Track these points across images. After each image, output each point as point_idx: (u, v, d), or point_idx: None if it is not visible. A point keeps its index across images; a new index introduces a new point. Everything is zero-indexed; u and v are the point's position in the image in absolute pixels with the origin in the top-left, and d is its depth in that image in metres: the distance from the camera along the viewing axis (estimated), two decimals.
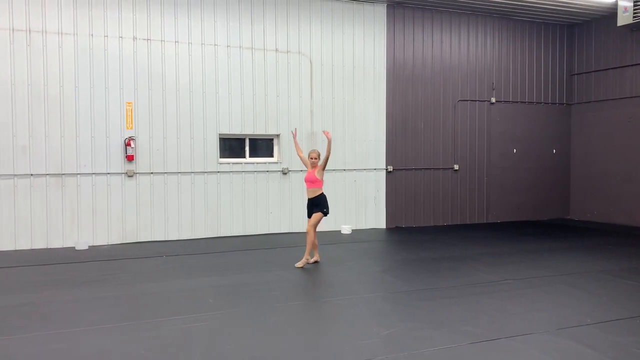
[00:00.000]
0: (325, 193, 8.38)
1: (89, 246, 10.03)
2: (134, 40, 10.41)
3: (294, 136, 8.93)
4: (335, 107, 12.07)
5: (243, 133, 11.36)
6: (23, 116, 9.72)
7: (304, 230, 11.68)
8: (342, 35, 12.08)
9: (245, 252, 9.62)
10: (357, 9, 12.19)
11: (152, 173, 10.63)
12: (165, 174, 10.73)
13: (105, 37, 10.19)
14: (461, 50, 13.29)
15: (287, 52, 11.62)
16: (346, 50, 12.12)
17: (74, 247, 9.90)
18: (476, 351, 4.82)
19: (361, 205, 12.31)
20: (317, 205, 8.24)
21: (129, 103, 10.39)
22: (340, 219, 12.03)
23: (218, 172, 11.14)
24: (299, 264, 8.28)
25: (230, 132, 11.24)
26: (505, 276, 7.67)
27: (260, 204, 11.50)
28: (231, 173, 11.27)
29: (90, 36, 10.08)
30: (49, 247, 9.93)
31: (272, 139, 11.74)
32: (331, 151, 8.28)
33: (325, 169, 8.47)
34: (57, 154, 9.95)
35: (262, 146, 11.72)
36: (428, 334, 5.25)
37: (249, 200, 11.40)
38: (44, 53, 9.82)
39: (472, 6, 12.80)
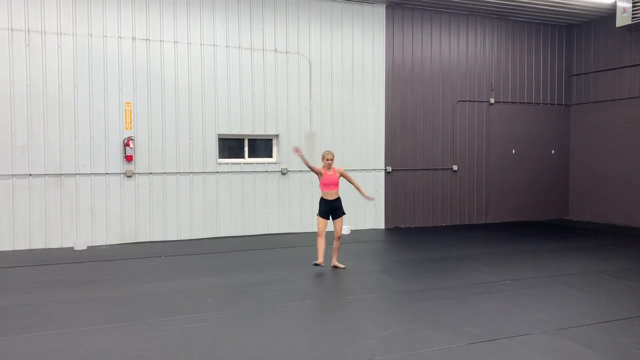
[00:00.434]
0: None
1: (88, 246, 10.01)
2: (133, 41, 10.40)
3: (301, 154, 8.00)
4: (334, 107, 12.07)
5: (242, 133, 11.35)
6: (22, 116, 9.71)
7: (303, 231, 11.76)
8: (341, 36, 12.09)
9: (245, 252, 9.61)
10: (356, 10, 12.19)
11: (151, 173, 10.62)
12: (164, 174, 10.72)
13: (105, 37, 10.18)
14: (460, 51, 13.30)
15: (286, 52, 11.62)
16: (345, 51, 12.12)
17: (73, 248, 9.89)
18: (475, 351, 4.82)
19: (360, 205, 12.30)
20: (339, 207, 8.14)
21: (128, 103, 10.38)
22: None
23: (217, 172, 11.14)
24: (337, 264, 8.19)
25: (229, 133, 11.24)
26: (504, 276, 7.68)
27: (259, 205, 11.49)
28: (230, 173, 11.26)
29: (89, 36, 10.07)
30: (47, 247, 9.92)
31: (271, 140, 11.74)
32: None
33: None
34: (56, 154, 9.94)
35: (261, 146, 11.72)
36: (427, 334, 5.26)
37: (248, 200, 11.39)
38: (42, 53, 9.80)
39: (471, 7, 12.81)
